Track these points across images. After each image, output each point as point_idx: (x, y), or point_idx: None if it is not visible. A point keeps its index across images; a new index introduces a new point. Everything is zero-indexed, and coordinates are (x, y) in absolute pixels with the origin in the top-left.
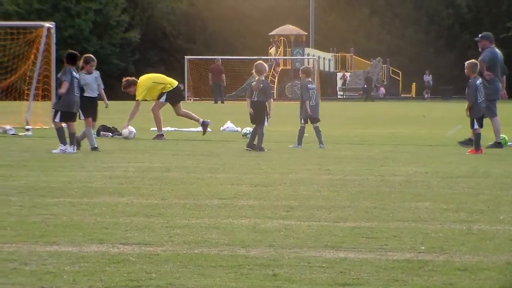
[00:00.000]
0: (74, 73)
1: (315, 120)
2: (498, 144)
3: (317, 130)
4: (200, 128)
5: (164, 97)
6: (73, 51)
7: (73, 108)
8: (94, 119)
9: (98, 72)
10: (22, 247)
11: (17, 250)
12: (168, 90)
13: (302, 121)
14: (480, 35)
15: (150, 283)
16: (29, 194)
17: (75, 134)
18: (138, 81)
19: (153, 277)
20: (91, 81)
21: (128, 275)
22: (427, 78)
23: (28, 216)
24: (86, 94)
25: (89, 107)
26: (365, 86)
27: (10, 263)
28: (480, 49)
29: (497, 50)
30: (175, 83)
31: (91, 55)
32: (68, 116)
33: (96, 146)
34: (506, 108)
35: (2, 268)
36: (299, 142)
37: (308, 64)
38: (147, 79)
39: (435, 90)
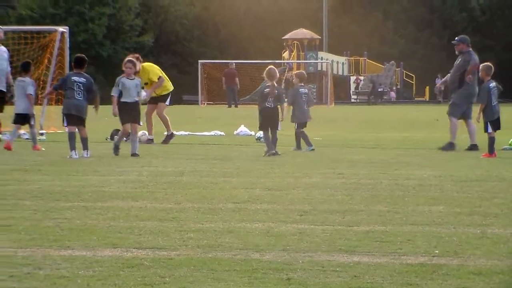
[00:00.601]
0: (75, 77)
1: (305, 125)
2: (451, 145)
3: (303, 134)
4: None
5: (169, 100)
6: (80, 54)
7: (71, 110)
8: (134, 122)
9: (139, 79)
10: (36, 252)
11: (31, 255)
12: (170, 91)
13: (297, 126)
14: (457, 39)
15: (164, 287)
16: (43, 199)
17: (87, 138)
18: (144, 65)
19: (167, 281)
20: (130, 86)
21: (142, 279)
22: (439, 82)
23: (42, 220)
24: (122, 99)
25: (124, 112)
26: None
27: (25, 268)
28: (456, 52)
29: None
30: (171, 84)
31: (130, 58)
32: (70, 119)
33: (118, 150)
34: (507, 111)
35: (16, 273)
36: (309, 144)
37: (322, 68)
38: (154, 65)
39: (448, 93)
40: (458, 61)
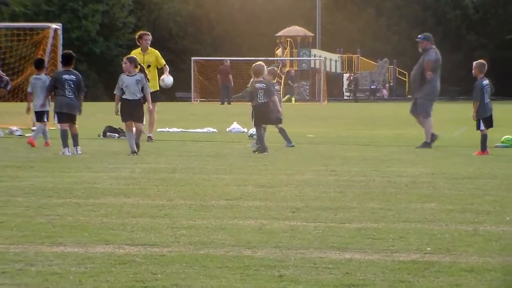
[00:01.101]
0: (66, 75)
1: (281, 120)
2: (427, 144)
3: (282, 130)
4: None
5: (158, 97)
6: (67, 51)
7: (63, 108)
8: (136, 121)
9: (142, 74)
10: (28, 248)
11: (23, 251)
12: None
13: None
14: (421, 36)
15: (156, 284)
16: (35, 195)
17: (77, 135)
18: (153, 49)
19: (159, 278)
20: (130, 83)
21: (134, 276)
22: None
23: (34, 217)
24: (123, 96)
25: (124, 109)
26: (353, 87)
27: (16, 264)
28: (420, 50)
29: (438, 51)
30: None
31: (130, 56)
32: (62, 117)
33: (135, 150)
34: (508, 109)
35: (8, 269)
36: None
37: (315, 66)
38: None
39: (442, 91)
40: (421, 59)
